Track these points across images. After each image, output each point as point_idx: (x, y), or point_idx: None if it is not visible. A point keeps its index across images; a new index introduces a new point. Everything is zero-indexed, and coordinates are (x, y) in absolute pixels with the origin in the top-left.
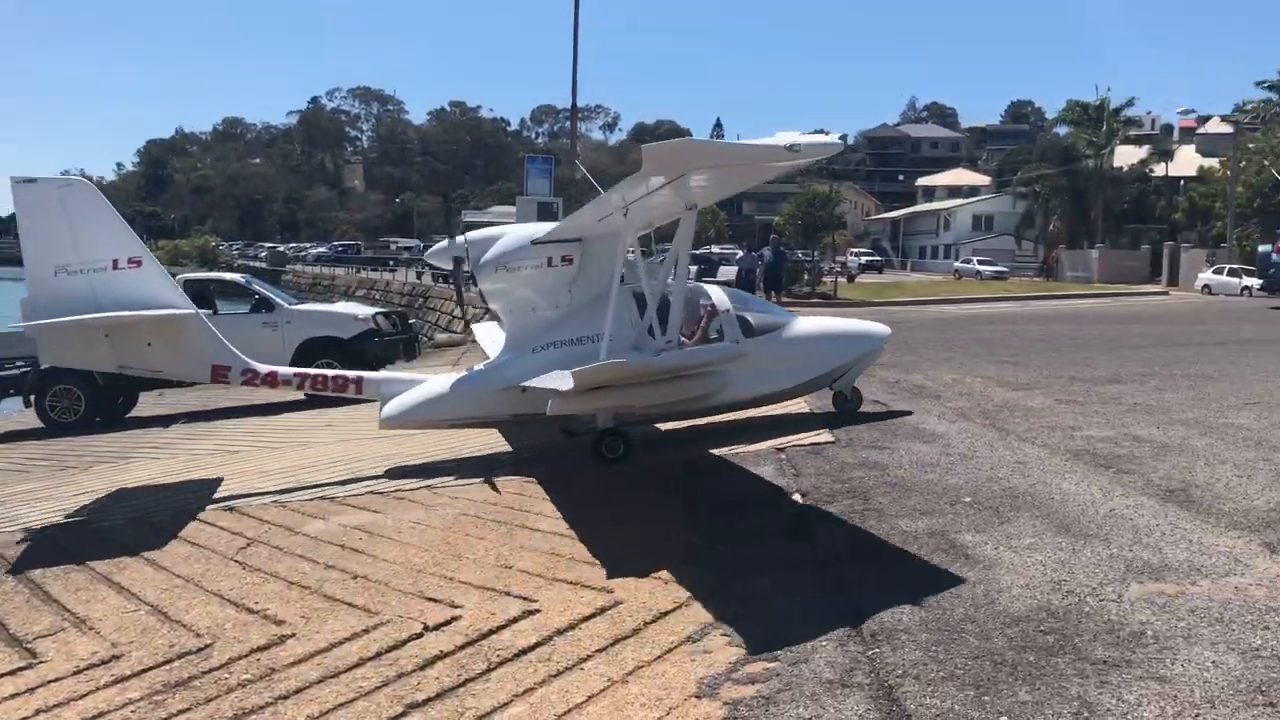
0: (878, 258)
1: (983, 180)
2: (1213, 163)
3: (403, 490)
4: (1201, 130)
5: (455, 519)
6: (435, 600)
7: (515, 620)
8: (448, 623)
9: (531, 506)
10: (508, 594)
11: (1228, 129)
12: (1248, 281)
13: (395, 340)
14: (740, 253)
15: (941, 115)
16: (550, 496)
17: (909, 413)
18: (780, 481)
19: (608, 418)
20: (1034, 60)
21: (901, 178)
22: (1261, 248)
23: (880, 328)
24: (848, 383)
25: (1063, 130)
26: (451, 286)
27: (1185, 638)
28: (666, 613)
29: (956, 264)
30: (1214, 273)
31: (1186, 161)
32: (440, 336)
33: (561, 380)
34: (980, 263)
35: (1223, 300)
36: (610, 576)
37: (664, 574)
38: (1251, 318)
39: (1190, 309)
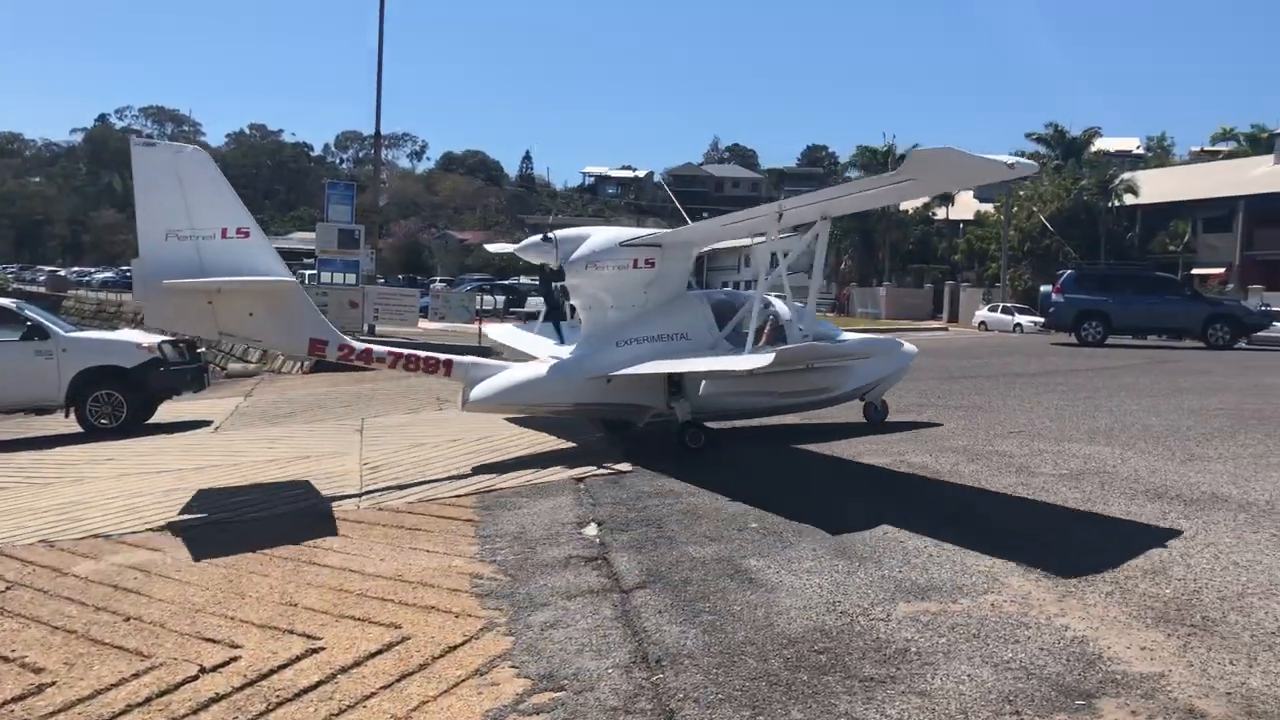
0: None
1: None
2: (989, 208)
3: (178, 524)
4: None
5: (239, 555)
6: (213, 641)
7: (298, 659)
8: (226, 663)
9: (321, 542)
10: (291, 632)
11: None
12: (1020, 319)
13: (182, 370)
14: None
15: (743, 156)
16: (341, 531)
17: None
18: (577, 511)
19: (686, 411)
20: (828, 107)
21: (705, 215)
22: (1043, 288)
23: (909, 347)
24: (878, 394)
25: (854, 174)
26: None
27: (945, 653)
28: (455, 646)
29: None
30: (990, 310)
31: (965, 206)
32: (234, 366)
33: (759, 360)
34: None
35: (997, 336)
36: (399, 611)
37: (455, 607)
38: (1022, 352)
39: (967, 344)
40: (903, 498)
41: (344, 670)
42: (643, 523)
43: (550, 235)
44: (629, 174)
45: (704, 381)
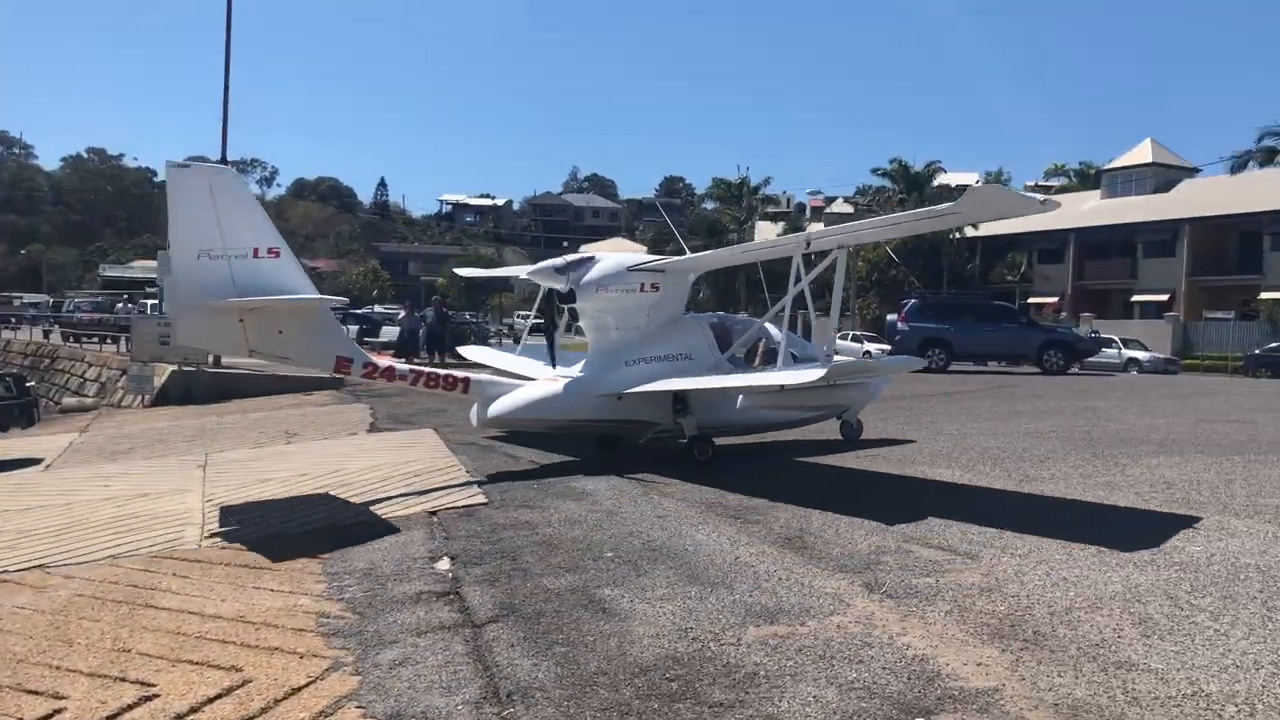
0: (541, 320)
1: (640, 249)
2: None
3: (7, 572)
4: (829, 210)
5: (69, 601)
6: (36, 692)
7: (130, 707)
8: (49, 716)
9: (158, 584)
10: (123, 679)
11: (850, 209)
12: (869, 346)
13: (9, 405)
14: (402, 313)
15: (601, 186)
16: (180, 572)
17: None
18: (430, 545)
19: (692, 426)
20: (684, 140)
21: (565, 244)
22: (889, 317)
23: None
24: (854, 414)
25: (710, 205)
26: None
27: (793, 676)
28: (299, 688)
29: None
30: (840, 338)
31: None
32: (69, 400)
33: (813, 372)
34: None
35: None
36: (240, 654)
37: (299, 647)
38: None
39: None
40: (752, 524)
41: (179, 717)
42: (497, 555)
43: (561, 260)
44: (488, 202)
45: (741, 396)
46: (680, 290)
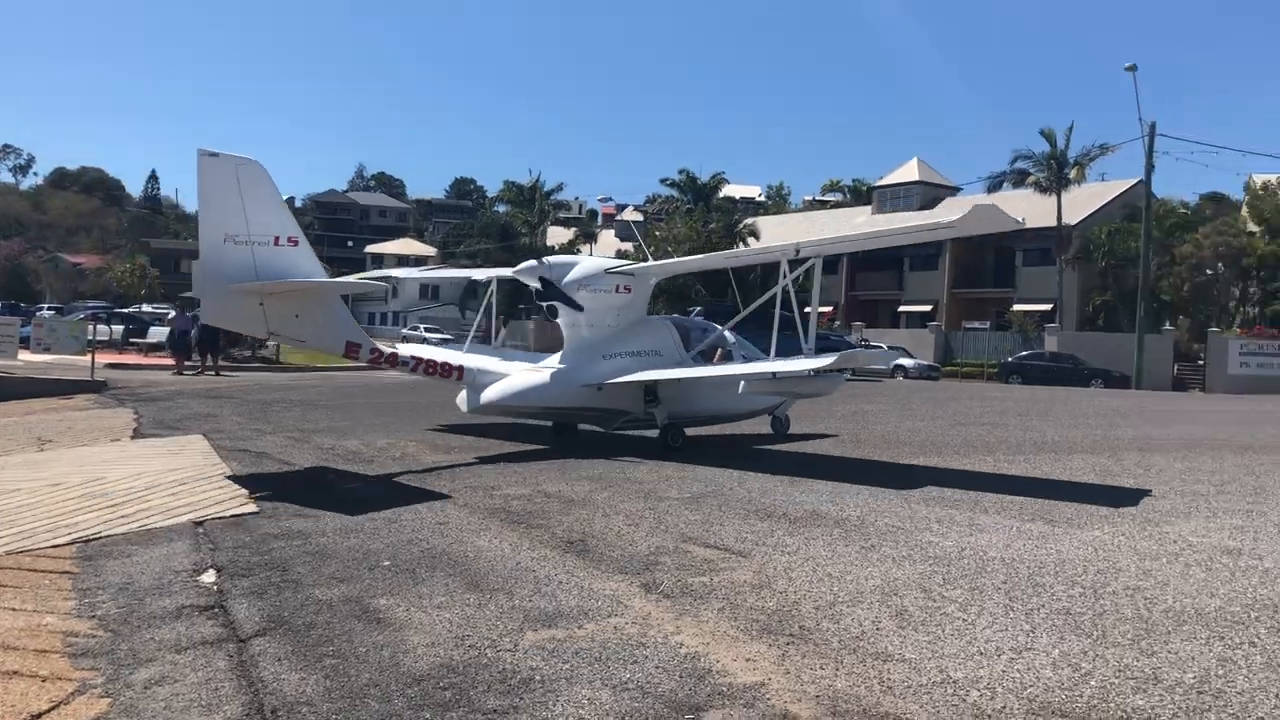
0: None
1: (429, 251)
2: (628, 246)
3: None
4: (619, 217)
5: None
6: None
7: None
8: None
9: None
10: None
11: (639, 217)
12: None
13: None
14: (173, 313)
15: (389, 185)
16: None
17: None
18: (194, 557)
19: (663, 416)
20: (476, 141)
21: (350, 244)
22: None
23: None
24: (784, 410)
25: (501, 208)
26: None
27: (568, 679)
28: (40, 715)
29: (404, 331)
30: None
31: (607, 244)
32: None
33: (820, 360)
34: (427, 330)
35: None
36: None
37: (42, 670)
38: None
39: None
40: (535, 528)
41: None
42: (267, 566)
43: (544, 260)
44: None
45: (742, 383)
46: (646, 292)
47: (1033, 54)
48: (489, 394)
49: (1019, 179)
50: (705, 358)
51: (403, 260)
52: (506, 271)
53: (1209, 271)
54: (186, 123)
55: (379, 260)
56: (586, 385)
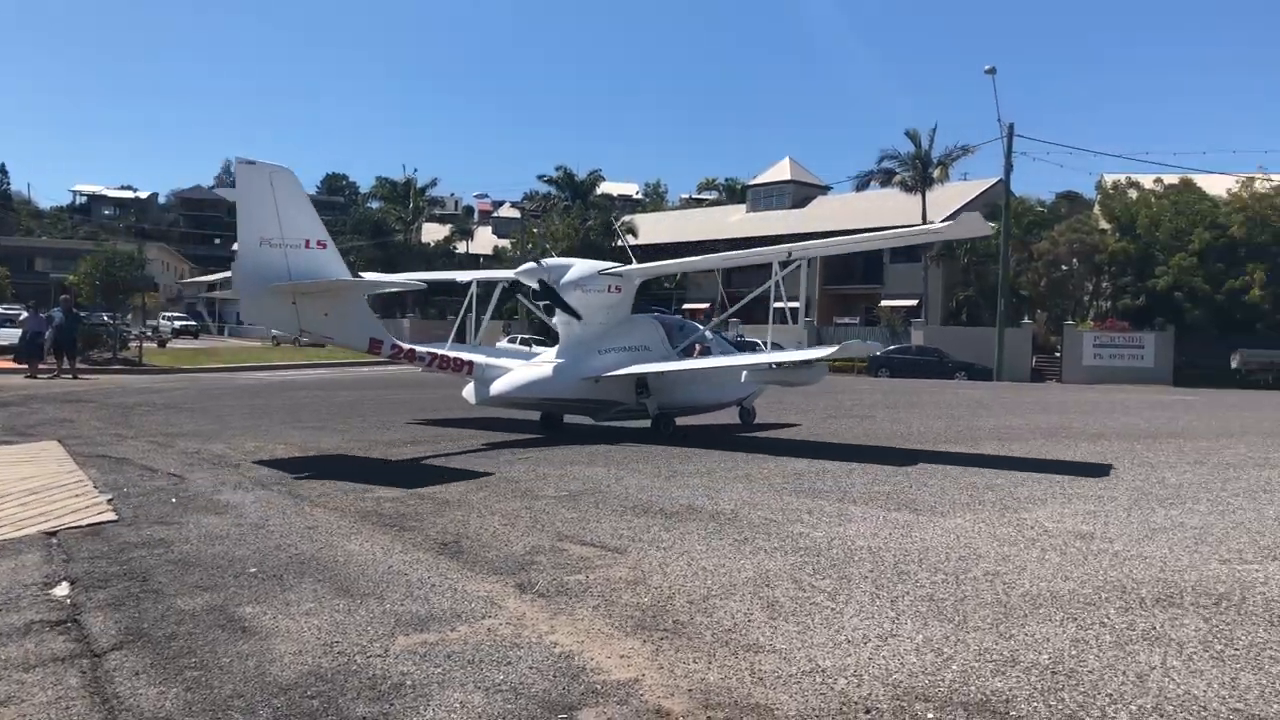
0: (193, 322)
1: None
2: (505, 243)
3: None
4: (496, 214)
5: None
6: None
7: None
8: None
9: None
10: None
11: (516, 214)
12: (537, 350)
13: None
14: (25, 313)
15: None
16: None
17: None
18: (45, 570)
19: (654, 406)
20: (348, 137)
21: (218, 241)
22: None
23: (767, 365)
24: (750, 402)
25: (375, 205)
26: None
27: (440, 683)
28: None
29: (274, 330)
30: (509, 341)
31: (484, 241)
32: None
33: (820, 351)
34: None
35: None
36: None
37: None
38: None
39: None
40: (408, 530)
41: None
42: (126, 577)
43: (539, 260)
44: (129, 194)
45: (745, 372)
46: (632, 291)
47: (898, 55)
48: (497, 386)
49: (886, 178)
50: (687, 353)
51: None
52: (491, 274)
53: (1064, 267)
54: (41, 112)
55: None
56: (585, 378)
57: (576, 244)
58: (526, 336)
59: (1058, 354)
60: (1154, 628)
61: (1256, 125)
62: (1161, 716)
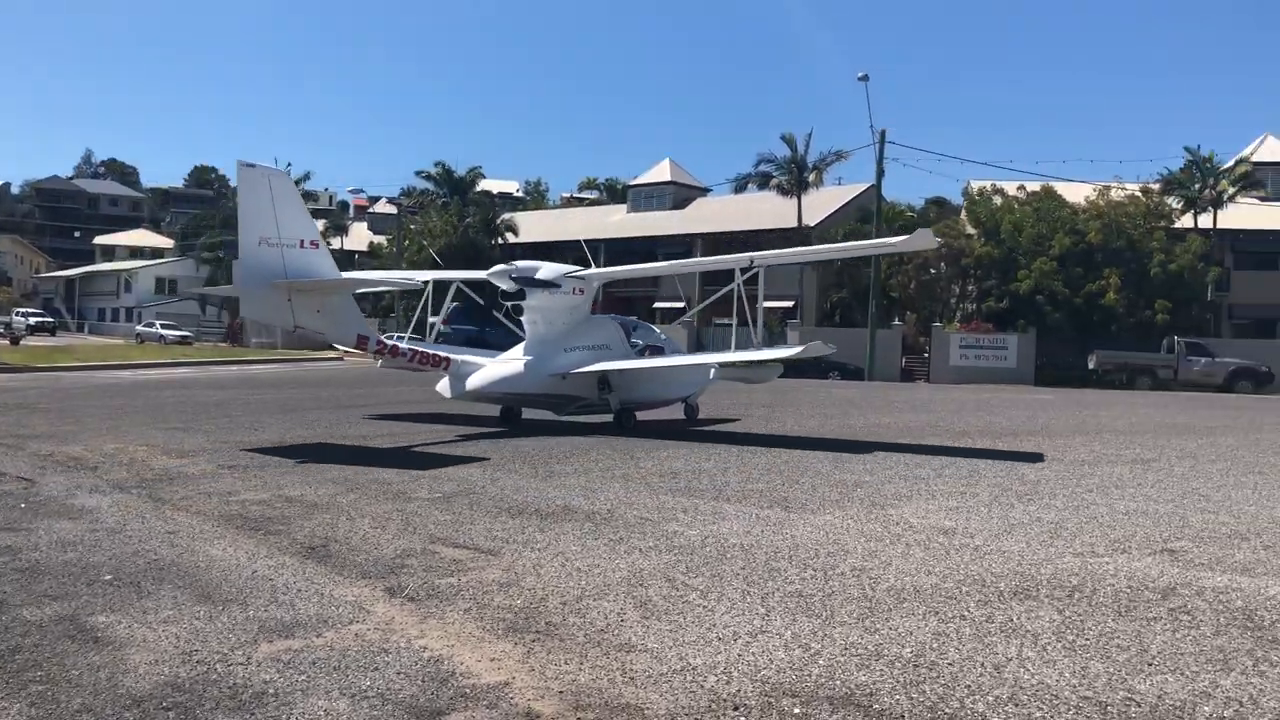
0: (49, 319)
1: (167, 243)
2: (382, 239)
3: None
4: (372, 210)
5: None
6: None
7: None
8: None
9: None
10: None
11: (393, 210)
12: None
13: None
14: None
15: (121, 173)
16: None
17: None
18: None
19: (616, 402)
20: (216, 127)
21: (78, 234)
22: (431, 319)
23: (711, 365)
24: (695, 398)
25: None
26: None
27: (304, 690)
28: None
29: (139, 327)
30: (386, 338)
31: (360, 237)
32: None
33: (783, 351)
34: (164, 326)
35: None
36: None
37: None
38: (415, 381)
39: (360, 373)
40: (274, 534)
41: None
42: None
43: (514, 264)
44: None
45: (713, 369)
46: (592, 294)
47: (778, 61)
48: (472, 381)
49: (763, 181)
50: (643, 353)
51: (136, 253)
52: (455, 274)
53: (932, 271)
54: None
55: (110, 253)
56: (553, 375)
57: (455, 241)
58: (405, 335)
59: (926, 354)
60: (1011, 620)
61: (1112, 137)
62: (1017, 706)
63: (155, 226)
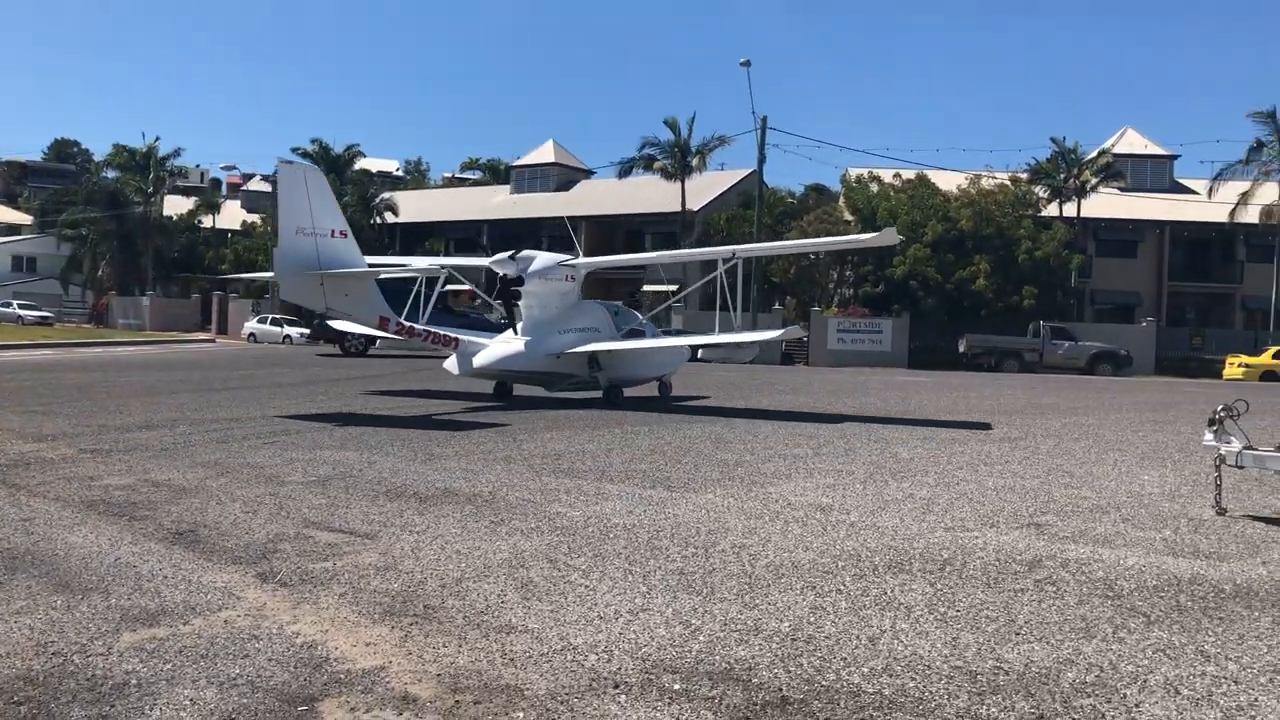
0: None
1: (25, 219)
2: (256, 218)
3: None
4: (246, 187)
5: None
6: None
7: None
8: None
9: None
10: None
11: (268, 188)
12: (289, 330)
13: None
14: None
15: None
16: None
17: None
18: None
19: (605, 380)
20: (79, 98)
21: None
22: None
23: (685, 346)
24: (669, 378)
25: (111, 174)
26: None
27: (169, 680)
28: None
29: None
30: (259, 322)
31: (233, 215)
32: None
33: (765, 334)
34: (21, 307)
35: (266, 347)
36: None
37: None
38: (289, 364)
39: (235, 356)
40: (140, 520)
41: None
42: None
43: (516, 255)
44: None
45: (701, 350)
46: (580, 281)
47: (664, 45)
48: (479, 359)
49: (647, 165)
50: (629, 335)
51: None
52: (454, 260)
53: (811, 256)
54: None
55: None
56: (549, 354)
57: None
58: (278, 317)
59: (805, 339)
60: (885, 593)
61: (983, 126)
62: (891, 676)
63: (12, 202)
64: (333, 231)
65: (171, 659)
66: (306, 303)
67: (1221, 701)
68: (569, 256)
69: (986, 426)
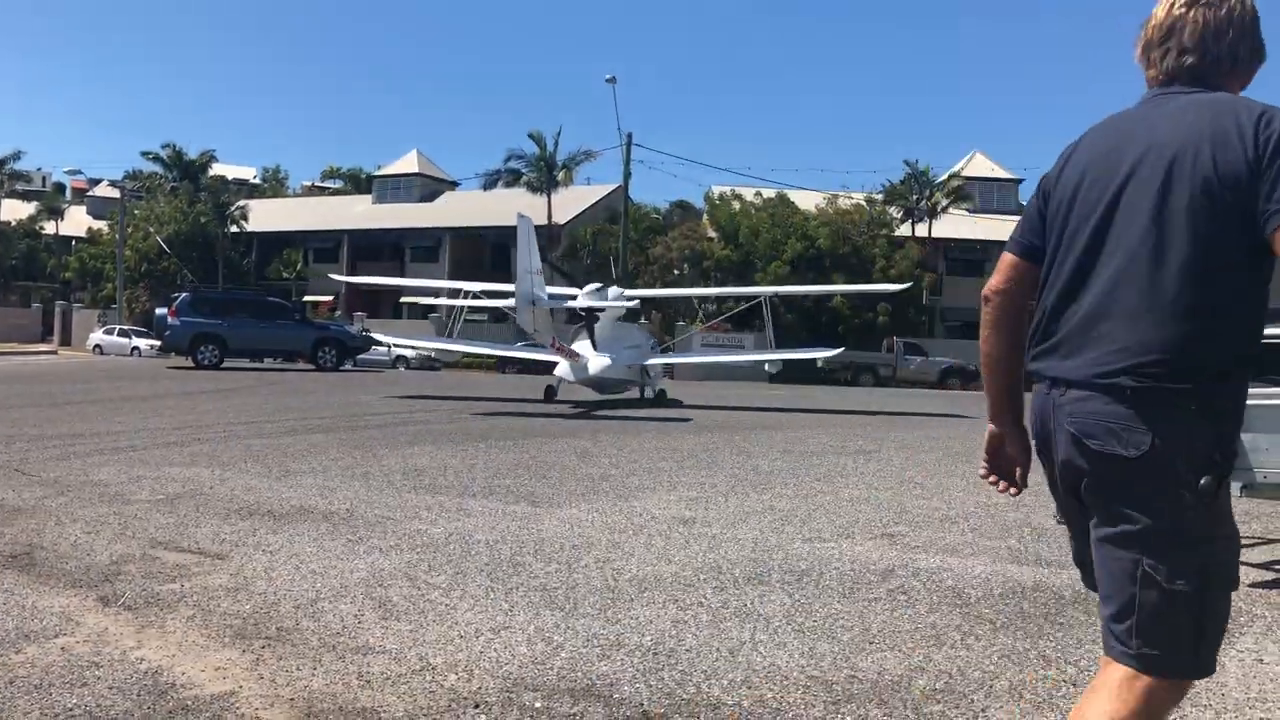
0: None
1: None
2: (103, 225)
3: None
4: (92, 193)
5: None
6: None
7: None
8: None
9: None
10: None
11: (116, 194)
12: (137, 342)
13: None
14: None
15: None
16: None
17: None
18: None
19: (655, 387)
20: None
21: None
22: (159, 311)
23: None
24: (655, 388)
25: None
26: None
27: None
28: None
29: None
30: (105, 333)
31: (77, 222)
32: None
33: (804, 354)
34: None
35: (112, 360)
36: None
37: None
38: (137, 376)
39: (79, 368)
40: None
41: None
42: None
43: (600, 288)
44: None
45: (659, 367)
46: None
47: (529, 56)
48: (592, 369)
49: (513, 177)
50: (653, 350)
51: None
52: (561, 290)
53: (676, 271)
54: None
55: None
56: (626, 365)
57: (184, 229)
58: (126, 328)
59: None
60: (745, 605)
61: (840, 147)
62: (750, 688)
63: None
64: (539, 270)
65: (2, 690)
66: (528, 327)
67: (1061, 704)
68: (627, 290)
69: (844, 439)
